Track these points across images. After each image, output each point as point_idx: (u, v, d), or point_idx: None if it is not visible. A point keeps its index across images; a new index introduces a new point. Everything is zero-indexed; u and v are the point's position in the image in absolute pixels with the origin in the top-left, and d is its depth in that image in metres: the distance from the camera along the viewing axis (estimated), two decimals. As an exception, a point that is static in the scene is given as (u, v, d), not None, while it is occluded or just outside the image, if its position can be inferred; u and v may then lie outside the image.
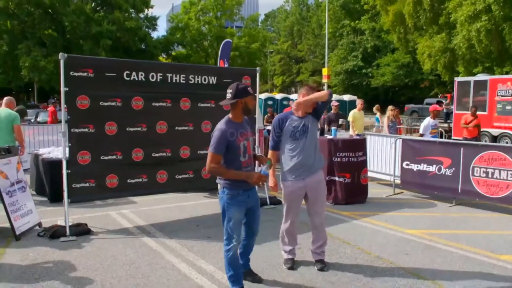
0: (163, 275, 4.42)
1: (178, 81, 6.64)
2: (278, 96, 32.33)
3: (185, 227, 6.22)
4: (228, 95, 3.81)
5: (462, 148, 7.56)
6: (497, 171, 7.11)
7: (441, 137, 12.46)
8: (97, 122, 5.94)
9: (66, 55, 5.61)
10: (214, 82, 7.08)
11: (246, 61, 43.43)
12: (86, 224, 5.88)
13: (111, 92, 6.02)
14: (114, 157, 6.13)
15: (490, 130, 16.52)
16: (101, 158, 6.03)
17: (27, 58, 32.45)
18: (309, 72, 60.93)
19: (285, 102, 28.14)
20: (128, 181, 6.29)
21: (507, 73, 25.73)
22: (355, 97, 29.94)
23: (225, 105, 4.07)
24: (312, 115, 4.65)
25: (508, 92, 16.25)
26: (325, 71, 35.38)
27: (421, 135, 9.31)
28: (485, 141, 16.33)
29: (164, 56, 43.46)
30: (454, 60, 23.15)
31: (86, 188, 5.92)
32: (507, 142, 15.91)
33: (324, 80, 36.31)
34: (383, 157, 9.11)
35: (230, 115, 3.91)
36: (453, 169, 7.63)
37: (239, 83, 3.87)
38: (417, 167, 8.17)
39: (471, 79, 17.94)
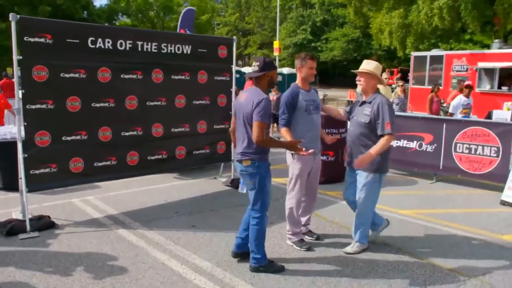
0: (154, 277, 3.79)
1: (149, 49, 5.85)
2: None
3: (163, 214, 5.56)
4: (255, 68, 3.82)
5: (444, 124, 7.36)
6: (480, 147, 6.98)
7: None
8: (58, 97, 5.07)
9: (18, 16, 4.66)
10: (189, 52, 6.35)
11: (194, 33, 41.92)
12: (49, 216, 5.06)
13: (74, 62, 5.14)
14: (78, 137, 5.30)
15: (445, 104, 16.79)
16: (63, 138, 5.18)
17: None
18: (257, 45, 60.01)
19: (236, 75, 27.31)
20: (95, 164, 5.51)
21: (451, 49, 26.48)
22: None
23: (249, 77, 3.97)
24: (315, 90, 4.66)
25: (463, 68, 16.55)
26: (276, 44, 34.73)
27: (451, 114, 8.62)
28: (441, 115, 16.62)
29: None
30: (406, 36, 23.38)
31: (47, 174, 5.07)
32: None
33: (275, 53, 35.71)
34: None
35: (259, 87, 3.85)
36: (435, 145, 7.44)
37: (265, 57, 3.93)
38: (397, 143, 7.92)
39: (428, 54, 18.09)
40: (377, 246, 4.61)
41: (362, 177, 4.27)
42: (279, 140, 4.04)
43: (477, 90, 15.68)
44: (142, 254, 4.27)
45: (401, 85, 10.25)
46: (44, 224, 4.86)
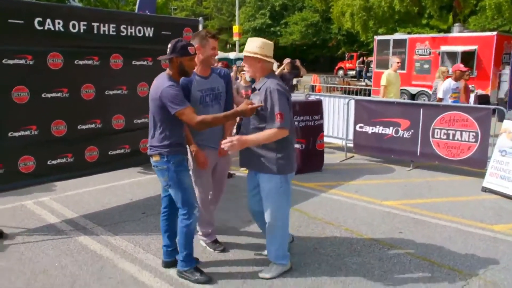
0: (125, 296, 3.27)
1: (107, 32, 5.17)
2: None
3: (128, 216, 4.99)
4: (168, 50, 3.33)
5: (422, 109, 7.11)
6: (458, 133, 6.79)
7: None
8: (1, 87, 4.36)
9: None
10: (151, 35, 5.71)
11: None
12: (-5, 225, 4.40)
13: (19, 46, 4.41)
14: (27, 132, 4.61)
15: (408, 88, 16.86)
16: (10, 135, 4.48)
17: None
18: (215, 30, 58.91)
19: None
20: (48, 162, 4.83)
21: (409, 33, 26.73)
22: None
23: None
24: (219, 74, 3.93)
25: (426, 51, 16.60)
26: (236, 29, 33.95)
27: (440, 99, 7.82)
28: (404, 99, 16.65)
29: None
30: (368, 19, 23.32)
31: (-9, 176, 4.38)
32: (424, 100, 16.38)
33: (235, 38, 34.98)
34: (334, 119, 8.45)
35: (170, 72, 3.35)
36: (412, 131, 7.19)
37: (180, 39, 3.37)
38: (372, 129, 7.64)
39: (391, 37, 18.06)
40: (367, 244, 4.26)
41: (263, 182, 3.47)
42: (220, 114, 3.40)
43: (440, 73, 15.77)
44: (108, 266, 3.72)
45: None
46: (-11, 235, 4.20)
